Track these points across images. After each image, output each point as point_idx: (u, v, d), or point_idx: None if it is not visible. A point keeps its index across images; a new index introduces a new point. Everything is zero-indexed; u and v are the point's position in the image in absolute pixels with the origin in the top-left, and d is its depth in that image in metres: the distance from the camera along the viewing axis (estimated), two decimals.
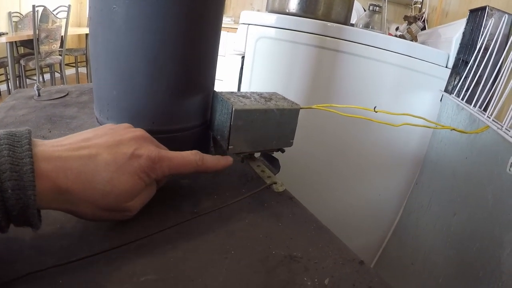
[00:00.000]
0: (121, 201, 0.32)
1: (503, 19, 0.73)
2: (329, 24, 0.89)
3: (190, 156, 0.37)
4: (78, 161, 0.29)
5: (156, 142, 0.37)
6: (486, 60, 0.74)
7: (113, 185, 0.30)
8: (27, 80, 3.62)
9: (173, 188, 0.43)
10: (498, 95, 0.63)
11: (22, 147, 0.27)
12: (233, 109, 0.40)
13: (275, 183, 0.44)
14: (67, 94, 0.81)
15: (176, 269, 0.30)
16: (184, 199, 0.41)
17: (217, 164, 0.39)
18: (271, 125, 0.44)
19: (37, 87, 0.78)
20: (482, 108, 0.71)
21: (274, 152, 0.49)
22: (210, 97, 0.48)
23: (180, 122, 0.45)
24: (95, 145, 0.31)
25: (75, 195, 0.29)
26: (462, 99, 0.78)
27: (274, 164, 0.49)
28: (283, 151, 0.48)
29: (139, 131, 0.35)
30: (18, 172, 0.26)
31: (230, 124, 0.41)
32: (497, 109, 0.61)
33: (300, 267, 0.32)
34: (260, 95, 0.47)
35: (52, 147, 0.30)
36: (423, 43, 1.25)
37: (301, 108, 0.45)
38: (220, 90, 0.47)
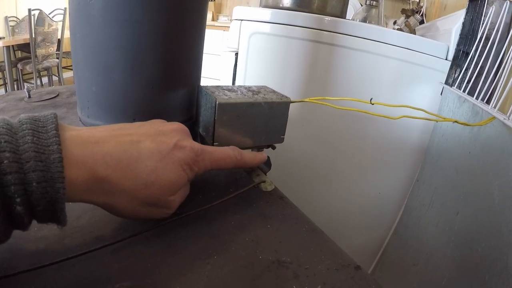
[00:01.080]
0: (164, 193, 0.29)
1: (504, 6, 0.71)
2: (324, 17, 0.86)
3: (229, 151, 0.36)
4: (119, 147, 0.27)
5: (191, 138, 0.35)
6: (488, 50, 0.71)
7: (158, 174, 0.28)
8: (25, 83, 3.60)
9: None
10: (502, 85, 0.60)
11: (47, 132, 0.24)
12: (217, 102, 0.37)
13: (264, 181, 0.41)
14: (57, 95, 0.79)
15: (153, 275, 0.28)
16: None
17: (254, 159, 0.39)
18: (259, 120, 0.41)
19: (28, 88, 0.77)
20: (485, 101, 0.68)
21: (265, 149, 0.46)
22: (195, 92, 0.46)
23: (163, 118, 0.42)
24: (135, 133, 0.29)
25: (115, 184, 0.26)
26: (464, 91, 0.75)
27: (265, 162, 0.46)
28: (274, 148, 0.45)
29: (178, 124, 0.34)
30: (45, 162, 0.22)
31: (214, 119, 0.38)
32: (501, 100, 0.58)
33: (289, 273, 0.29)
34: (248, 88, 0.44)
35: (87, 131, 0.27)
36: (422, 36, 1.22)
37: (292, 102, 0.42)
38: (206, 84, 0.45)
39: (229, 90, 0.42)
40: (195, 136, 0.49)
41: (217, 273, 0.29)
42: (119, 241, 0.30)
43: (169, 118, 0.43)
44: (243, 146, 0.42)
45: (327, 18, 0.87)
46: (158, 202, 0.29)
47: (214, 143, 0.39)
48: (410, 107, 0.48)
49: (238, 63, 0.95)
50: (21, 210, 0.22)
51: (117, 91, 0.40)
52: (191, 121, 0.47)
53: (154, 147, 0.29)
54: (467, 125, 0.62)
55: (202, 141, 0.46)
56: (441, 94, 0.88)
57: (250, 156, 0.38)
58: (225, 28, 2.34)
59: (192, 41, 0.44)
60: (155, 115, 0.42)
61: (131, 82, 0.40)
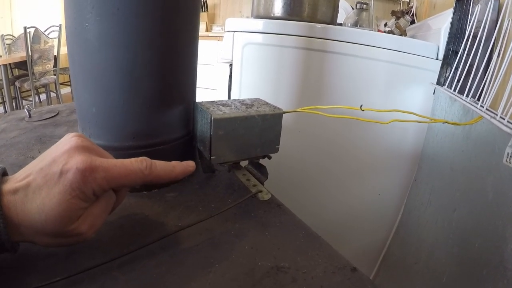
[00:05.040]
0: (60, 226, 0.28)
1: (489, 4, 0.72)
2: (315, 25, 0.88)
3: (134, 165, 0.31)
4: (21, 193, 0.28)
5: (96, 150, 0.32)
6: (476, 48, 0.72)
7: (46, 211, 0.28)
8: (23, 101, 3.61)
9: (158, 202, 0.42)
10: (491, 83, 0.61)
11: None
12: (212, 118, 0.39)
13: (261, 191, 0.43)
14: (57, 114, 0.81)
15: (158, 286, 0.30)
16: (169, 213, 0.40)
17: (171, 172, 0.34)
18: (253, 132, 0.42)
19: (28, 108, 0.78)
20: (476, 98, 0.69)
21: (261, 159, 0.47)
22: (191, 108, 0.47)
23: (161, 135, 0.44)
24: (35, 172, 0.29)
25: (25, 227, 0.28)
26: (454, 90, 0.76)
27: (262, 172, 0.47)
28: (269, 158, 0.47)
29: (74, 140, 0.31)
30: None
31: (211, 134, 0.40)
32: (491, 97, 0.60)
33: (288, 278, 0.31)
34: (242, 102, 0.46)
35: (11, 180, 0.29)
36: (413, 37, 1.24)
37: (284, 113, 0.44)
38: (201, 100, 0.46)
39: (223, 105, 0.44)
40: (193, 151, 0.50)
41: (219, 281, 0.30)
42: (125, 255, 0.32)
43: (167, 135, 0.45)
44: (240, 158, 0.44)
45: (318, 25, 0.88)
46: (62, 233, 0.29)
47: (212, 156, 0.41)
48: (400, 111, 0.49)
49: (232, 73, 0.97)
50: None
51: (116, 112, 0.42)
52: (189, 136, 0.48)
53: (42, 183, 0.28)
54: (457, 124, 0.63)
55: (201, 155, 0.48)
56: (434, 93, 0.90)
57: (165, 169, 0.33)
58: (219, 38, 2.35)
59: (186, 60, 0.45)
60: (154, 133, 0.44)
61: (129, 103, 0.41)
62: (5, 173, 0.30)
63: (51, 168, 0.29)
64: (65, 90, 4.46)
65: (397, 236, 1.03)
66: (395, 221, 1.06)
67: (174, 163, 0.35)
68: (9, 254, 0.29)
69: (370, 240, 1.11)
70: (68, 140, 0.31)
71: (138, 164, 0.32)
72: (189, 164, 0.36)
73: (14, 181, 0.29)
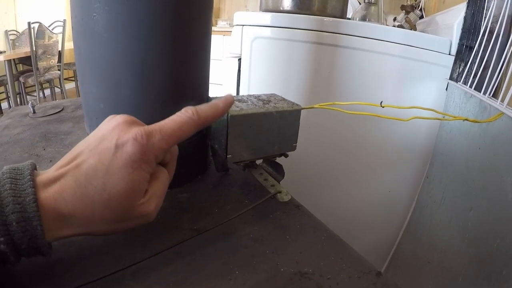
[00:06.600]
0: (127, 204, 0.27)
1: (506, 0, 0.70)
2: (325, 19, 0.86)
3: (181, 116, 0.31)
4: (70, 178, 0.26)
5: (141, 123, 0.31)
6: (492, 44, 0.70)
7: (108, 190, 0.26)
8: (28, 96, 3.61)
9: (171, 203, 0.40)
10: (508, 79, 0.59)
11: (24, 178, 0.26)
12: (229, 115, 0.37)
13: (280, 192, 0.41)
14: (62, 110, 0.79)
15: None
16: (183, 216, 0.38)
17: (216, 110, 0.33)
18: (271, 130, 0.41)
19: (32, 104, 0.76)
20: (491, 95, 0.67)
21: (277, 158, 0.45)
22: None
23: None
24: (80, 153, 0.28)
25: (80, 216, 0.26)
26: (470, 86, 0.74)
27: (278, 171, 0.46)
28: (286, 156, 0.45)
29: (120, 117, 0.30)
30: (21, 204, 0.24)
31: (227, 132, 0.38)
32: (509, 94, 0.58)
33: (312, 284, 0.29)
34: (258, 97, 0.44)
35: (50, 173, 0.27)
36: (423, 31, 1.21)
37: (303, 109, 0.42)
38: (215, 95, 0.44)
39: (239, 100, 0.42)
40: (206, 150, 0.48)
41: None
42: (138, 262, 0.30)
43: None
44: (256, 157, 0.42)
45: (328, 19, 0.86)
46: (128, 214, 0.28)
47: (228, 155, 0.39)
48: (420, 107, 0.48)
49: (241, 68, 0.95)
50: (5, 248, 0.24)
51: (126, 108, 0.40)
52: (202, 134, 0.46)
53: (96, 163, 0.27)
54: (477, 122, 0.61)
55: (214, 153, 0.46)
56: (447, 89, 0.88)
57: (210, 109, 0.33)
58: (225, 32, 2.34)
59: (199, 53, 0.43)
60: None
61: (140, 98, 0.40)
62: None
63: (102, 145, 0.27)
64: (69, 86, 4.45)
65: (408, 234, 1.02)
66: (405, 218, 1.04)
67: (214, 100, 0.34)
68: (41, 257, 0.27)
69: (379, 237, 1.09)
70: (114, 119, 0.30)
71: (184, 113, 0.31)
72: (228, 100, 0.35)
73: (56, 168, 0.27)
